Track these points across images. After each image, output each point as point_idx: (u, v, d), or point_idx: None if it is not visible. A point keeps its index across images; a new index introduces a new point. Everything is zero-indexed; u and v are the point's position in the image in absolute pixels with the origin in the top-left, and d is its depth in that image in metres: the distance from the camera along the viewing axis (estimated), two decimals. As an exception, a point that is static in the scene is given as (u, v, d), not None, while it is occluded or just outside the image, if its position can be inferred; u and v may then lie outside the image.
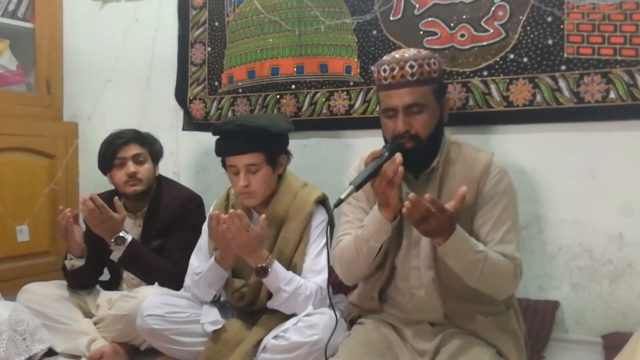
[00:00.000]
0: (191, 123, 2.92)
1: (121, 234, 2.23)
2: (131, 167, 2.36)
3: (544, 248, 2.21)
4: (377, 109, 2.37)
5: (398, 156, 1.65)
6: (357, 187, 1.62)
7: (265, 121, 2.04)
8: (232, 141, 2.03)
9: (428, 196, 1.54)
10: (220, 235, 1.90)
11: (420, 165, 1.80)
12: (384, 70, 1.76)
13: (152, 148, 2.46)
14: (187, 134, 2.95)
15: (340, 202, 1.62)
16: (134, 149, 2.39)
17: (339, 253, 1.86)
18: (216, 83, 2.82)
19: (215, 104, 2.82)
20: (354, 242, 1.80)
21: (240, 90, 2.75)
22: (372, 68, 1.87)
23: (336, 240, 1.90)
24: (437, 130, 1.79)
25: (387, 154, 1.66)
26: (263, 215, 1.92)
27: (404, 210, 1.56)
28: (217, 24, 2.81)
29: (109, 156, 2.38)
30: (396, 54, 1.79)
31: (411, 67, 1.72)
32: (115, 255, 2.24)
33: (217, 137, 2.10)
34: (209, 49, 2.83)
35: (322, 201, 2.11)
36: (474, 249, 1.65)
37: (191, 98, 2.88)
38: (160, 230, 2.36)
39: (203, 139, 2.85)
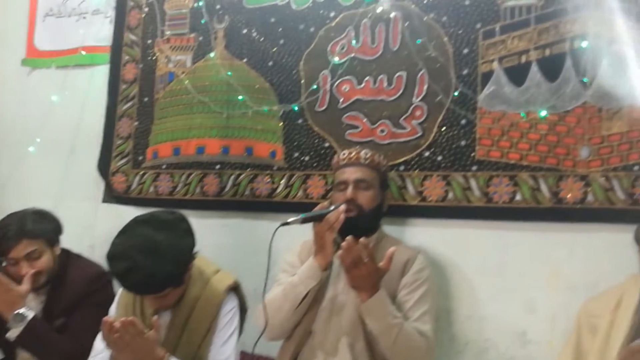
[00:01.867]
0: (112, 196, 2.88)
1: (21, 311, 2.08)
2: (24, 267, 2.17)
3: (451, 342, 2.25)
4: (299, 194, 2.46)
5: (342, 206, 1.95)
6: (304, 220, 1.92)
7: (171, 260, 1.83)
8: (133, 285, 1.87)
9: (363, 240, 1.78)
10: (113, 343, 1.79)
11: (357, 233, 1.92)
12: (343, 154, 2.17)
13: (47, 236, 2.26)
14: (107, 207, 2.90)
15: (285, 224, 1.89)
16: (26, 247, 2.18)
17: (266, 301, 1.95)
18: (140, 157, 2.81)
19: (137, 178, 2.80)
20: (284, 288, 1.99)
21: (164, 166, 2.76)
22: (335, 157, 2.23)
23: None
24: (377, 211, 2.12)
25: (333, 207, 1.96)
26: (155, 317, 1.85)
27: (339, 252, 1.80)
28: (146, 99, 2.83)
29: None
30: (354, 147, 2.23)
31: (365, 153, 2.14)
32: (12, 333, 2.10)
33: None
34: (136, 123, 2.84)
35: (234, 288, 2.09)
36: (393, 314, 1.84)
37: (114, 171, 2.86)
38: (65, 308, 2.24)
39: (123, 212, 2.80)
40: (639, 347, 1.64)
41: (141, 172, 2.81)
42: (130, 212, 2.67)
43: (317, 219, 1.95)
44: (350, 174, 2.09)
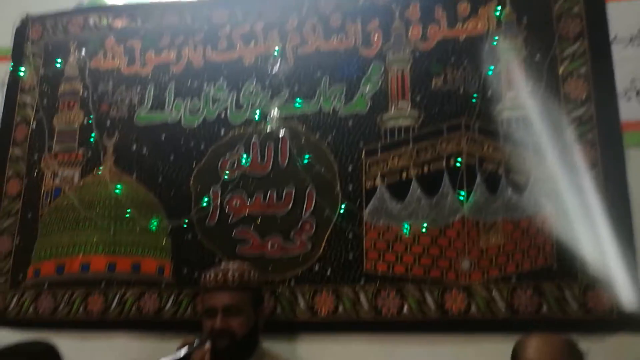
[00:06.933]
0: (-14, 317, 2.68)
1: None
2: None
3: None
4: (188, 312, 2.38)
5: (207, 344, 1.86)
6: None
7: None
8: None
9: None
10: None
11: None
12: (210, 276, 2.06)
13: None
14: (-20, 330, 2.69)
15: None
16: None
17: None
18: (20, 276, 2.66)
19: (16, 298, 2.63)
20: None
21: (45, 285, 2.61)
22: (202, 278, 2.12)
23: None
24: (252, 333, 2.01)
25: (197, 342, 1.85)
26: None
27: None
28: (30, 215, 2.72)
29: None
30: (222, 265, 2.12)
31: (232, 275, 2.03)
32: None
33: None
34: (18, 240, 2.71)
35: None
36: None
37: (-11, 291, 2.68)
38: None
39: (-2, 336, 2.62)
40: None
41: (20, 292, 2.64)
42: (5, 336, 2.49)
43: None
44: (219, 300, 2.00)
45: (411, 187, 2.30)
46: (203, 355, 1.82)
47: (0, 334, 2.57)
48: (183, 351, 1.81)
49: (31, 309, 2.60)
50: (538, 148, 2.22)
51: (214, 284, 2.04)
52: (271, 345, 2.16)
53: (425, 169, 2.31)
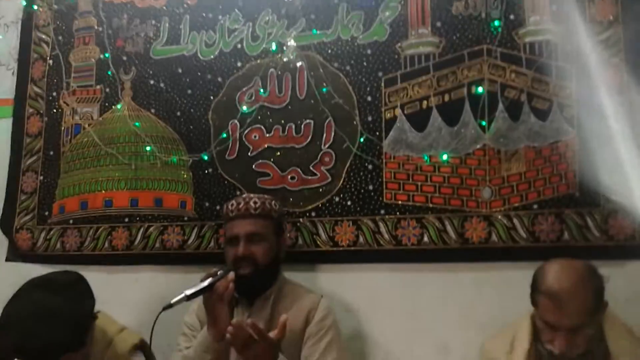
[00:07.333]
0: (16, 254, 2.74)
1: None
2: None
3: (368, 387, 2.23)
4: (211, 244, 2.41)
5: (231, 274, 1.86)
6: (189, 297, 1.77)
7: (69, 325, 1.67)
8: (29, 356, 1.65)
9: (250, 321, 1.63)
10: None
11: (255, 291, 2.01)
12: (232, 205, 2.07)
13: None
14: (11, 266, 2.75)
15: (169, 306, 1.74)
16: None
17: None
18: (46, 213, 2.71)
19: (43, 234, 2.69)
20: None
21: (71, 221, 2.66)
22: (224, 207, 2.14)
23: None
24: (274, 262, 2.04)
25: (221, 272, 1.86)
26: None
27: (227, 336, 1.63)
28: (52, 153, 2.75)
29: None
30: (244, 195, 2.16)
31: (254, 202, 2.05)
32: None
33: None
34: (42, 177, 2.74)
35: (141, 346, 2.01)
36: None
37: (17, 227, 2.73)
38: None
39: (28, 271, 2.66)
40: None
41: (47, 228, 2.69)
42: (35, 270, 2.55)
43: (205, 291, 1.82)
44: (241, 227, 2.01)
45: (431, 117, 2.26)
46: (227, 285, 1.83)
47: (30, 269, 2.63)
48: (207, 281, 1.84)
49: (58, 245, 2.66)
50: (562, 73, 2.15)
51: (236, 213, 2.04)
52: (292, 276, 2.19)
53: (446, 97, 2.26)
